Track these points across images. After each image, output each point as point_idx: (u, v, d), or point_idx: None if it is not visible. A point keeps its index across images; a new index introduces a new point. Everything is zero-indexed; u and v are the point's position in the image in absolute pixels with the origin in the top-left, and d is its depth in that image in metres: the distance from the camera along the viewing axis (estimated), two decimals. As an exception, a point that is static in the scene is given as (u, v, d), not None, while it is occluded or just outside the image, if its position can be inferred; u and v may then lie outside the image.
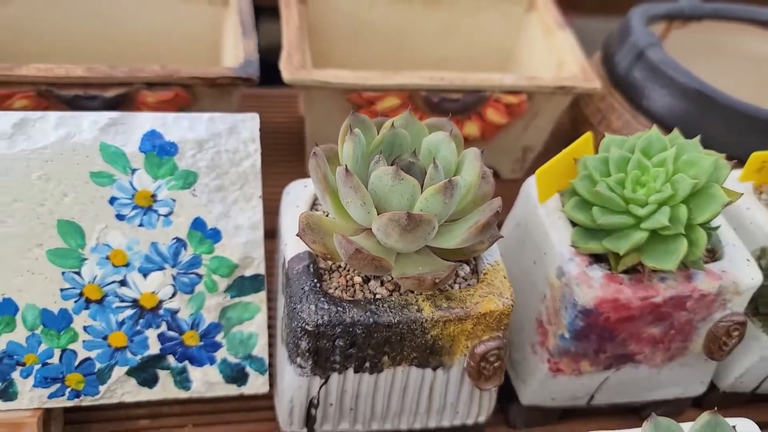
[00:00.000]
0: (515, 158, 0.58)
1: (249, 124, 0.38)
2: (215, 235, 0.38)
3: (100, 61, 0.55)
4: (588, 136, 0.40)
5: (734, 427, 0.29)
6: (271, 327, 0.41)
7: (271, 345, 0.41)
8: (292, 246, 0.36)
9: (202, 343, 0.38)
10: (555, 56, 0.56)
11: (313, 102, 0.51)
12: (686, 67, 0.65)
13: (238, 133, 0.38)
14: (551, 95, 0.52)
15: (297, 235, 0.34)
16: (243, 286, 0.39)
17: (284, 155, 0.58)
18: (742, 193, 0.37)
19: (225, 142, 0.38)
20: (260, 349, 0.39)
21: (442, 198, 0.32)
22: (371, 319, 0.33)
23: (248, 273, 0.39)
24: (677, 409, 0.45)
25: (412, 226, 0.31)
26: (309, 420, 0.38)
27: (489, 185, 0.36)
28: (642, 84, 0.54)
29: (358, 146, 0.33)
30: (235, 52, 0.50)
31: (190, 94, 0.48)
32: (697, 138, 0.38)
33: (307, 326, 0.33)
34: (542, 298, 0.39)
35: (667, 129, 0.54)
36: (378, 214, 0.32)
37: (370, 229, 0.33)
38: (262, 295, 0.39)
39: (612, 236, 0.36)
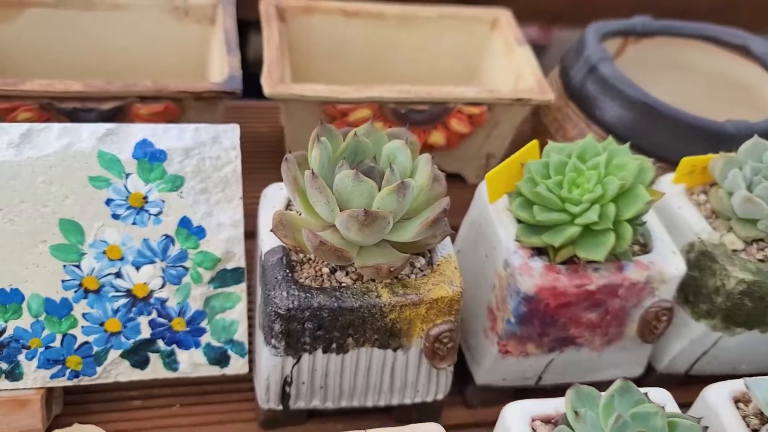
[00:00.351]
0: (479, 164, 0.63)
1: (230, 133, 0.43)
2: (200, 232, 0.42)
3: (99, 75, 0.60)
4: (534, 143, 0.45)
5: (646, 394, 0.34)
6: (252, 318, 0.46)
7: (252, 333, 0.46)
8: (267, 241, 0.41)
9: (188, 328, 0.43)
10: (514, 70, 0.61)
11: (292, 113, 0.56)
12: (643, 78, 0.70)
13: (221, 142, 0.43)
14: (509, 106, 0.57)
15: (271, 230, 0.38)
16: (225, 277, 0.43)
17: (266, 161, 0.62)
18: (664, 193, 0.42)
19: (209, 149, 0.42)
20: (241, 335, 0.44)
21: (396, 197, 0.36)
22: (336, 304, 0.38)
23: (230, 266, 0.43)
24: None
25: (369, 221, 0.36)
26: (284, 397, 0.42)
27: (441, 187, 0.41)
28: (594, 96, 0.59)
29: (324, 153, 0.38)
30: (221, 67, 0.55)
31: (179, 106, 0.53)
32: (627, 144, 0.43)
33: (279, 310, 0.38)
34: (492, 287, 0.44)
35: (617, 137, 0.59)
36: (341, 211, 0.37)
37: (335, 225, 0.37)
38: (243, 286, 0.44)
39: (550, 231, 0.41)
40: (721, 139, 0.57)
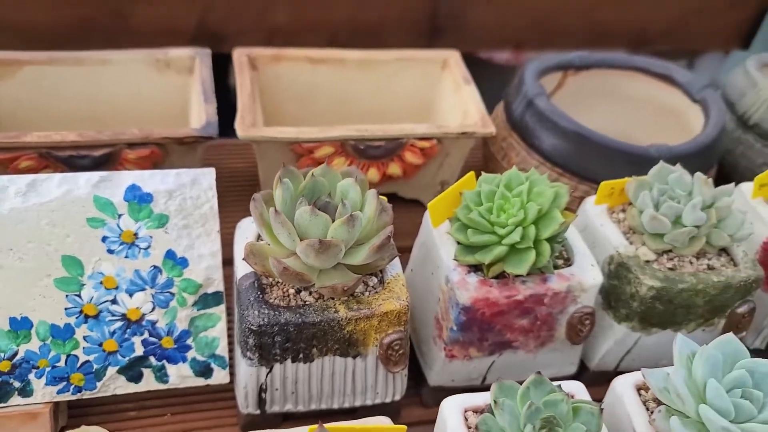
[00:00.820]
0: (435, 191, 0.70)
1: (207, 176, 0.50)
2: (183, 263, 0.49)
3: (91, 123, 0.67)
4: (470, 175, 0.53)
5: (560, 385, 0.41)
6: (231, 334, 0.52)
7: (231, 347, 0.52)
8: (241, 268, 0.47)
9: (176, 346, 0.49)
10: (462, 106, 0.68)
11: (264, 152, 0.63)
12: (583, 106, 0.78)
13: (199, 184, 0.50)
14: (457, 139, 0.65)
15: (243, 259, 0.45)
16: (207, 300, 0.50)
17: (243, 194, 0.69)
18: (576, 215, 0.49)
19: (189, 191, 0.49)
20: (222, 349, 0.50)
21: (346, 228, 0.43)
22: (300, 320, 0.45)
23: (210, 290, 0.50)
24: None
25: (324, 249, 0.43)
26: (261, 402, 0.49)
27: (388, 216, 0.48)
28: (533, 127, 0.67)
29: (286, 192, 0.45)
30: (199, 114, 0.62)
31: (162, 150, 0.60)
32: (546, 174, 0.50)
33: (252, 327, 0.45)
34: (438, 300, 0.51)
35: (554, 163, 0.66)
36: (301, 241, 0.44)
37: (296, 252, 0.44)
38: (222, 308, 0.51)
39: (482, 251, 0.48)
40: (645, 162, 0.64)
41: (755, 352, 0.61)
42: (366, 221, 0.45)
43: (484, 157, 0.74)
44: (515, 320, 0.50)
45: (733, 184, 0.55)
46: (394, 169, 0.66)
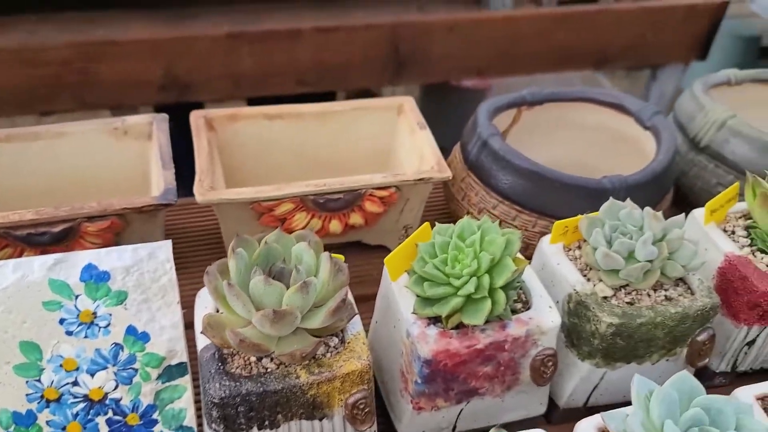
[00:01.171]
0: (399, 236, 0.71)
1: (164, 249, 0.50)
2: (145, 337, 0.49)
3: (51, 196, 0.67)
4: (426, 226, 0.53)
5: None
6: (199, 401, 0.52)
7: (200, 416, 0.52)
8: (201, 339, 0.48)
9: (141, 421, 0.49)
10: (418, 151, 0.70)
11: (225, 213, 0.64)
12: (541, 139, 0.80)
13: (156, 257, 0.50)
14: (414, 185, 0.66)
15: (201, 332, 0.46)
16: (171, 372, 0.50)
17: (210, 253, 0.70)
18: (528, 262, 0.50)
19: (146, 265, 0.50)
20: (189, 420, 0.50)
21: (301, 295, 0.44)
22: (261, 389, 0.45)
23: (174, 362, 0.50)
24: (532, 425, 0.57)
25: (278, 318, 0.43)
26: (231, 472, 0.49)
27: (344, 275, 0.49)
28: (489, 167, 0.68)
29: (240, 261, 0.46)
30: (158, 181, 0.63)
31: (122, 221, 0.60)
32: (497, 222, 0.51)
33: (214, 400, 0.45)
34: (401, 353, 0.51)
35: (512, 201, 0.67)
36: (256, 311, 0.44)
37: (252, 322, 0.45)
38: (187, 377, 0.51)
39: (439, 303, 0.49)
40: (599, 193, 0.65)
41: (722, 375, 0.62)
42: (321, 285, 0.46)
43: (446, 198, 0.75)
44: (478, 368, 0.50)
45: (683, 215, 0.56)
46: (356, 219, 0.66)
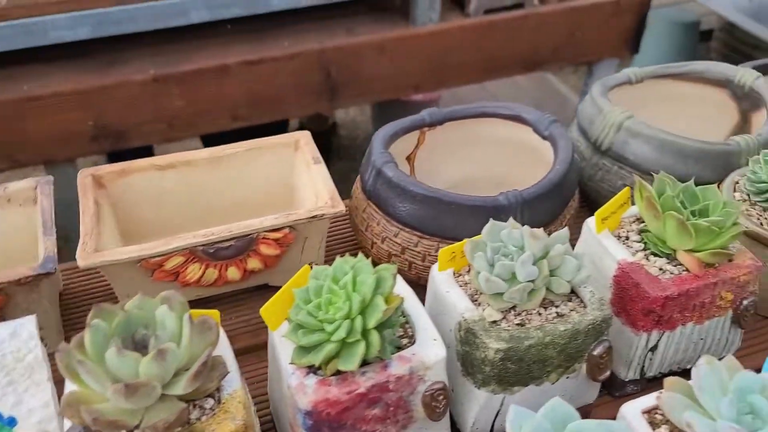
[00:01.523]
0: (303, 274, 0.69)
1: (27, 325, 0.48)
2: (11, 422, 0.47)
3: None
4: (305, 269, 0.52)
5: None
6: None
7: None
8: (67, 420, 0.46)
9: None
10: (314, 186, 0.68)
11: (114, 274, 0.62)
12: (451, 156, 0.79)
13: (19, 335, 0.48)
14: (310, 223, 0.65)
15: (59, 413, 0.44)
16: (48, 454, 0.48)
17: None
18: (402, 298, 0.49)
19: (8, 345, 0.48)
20: (72, 502, 0.48)
21: (157, 363, 0.42)
22: (129, 465, 0.43)
23: (49, 443, 0.48)
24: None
25: (131, 392, 0.41)
26: None
27: (214, 335, 0.47)
28: (385, 196, 0.67)
29: (97, 334, 0.44)
30: (40, 249, 0.61)
31: (3, 294, 0.58)
32: (370, 259, 0.50)
33: (79, 482, 0.43)
34: (287, 405, 0.50)
35: (413, 228, 0.66)
36: (112, 385, 0.42)
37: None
38: (67, 457, 0.49)
39: (314, 351, 0.47)
40: (498, 210, 0.65)
41: (632, 383, 0.61)
42: (184, 349, 0.44)
43: (353, 228, 0.74)
44: (366, 412, 0.49)
45: (566, 228, 0.55)
46: (254, 263, 0.65)
